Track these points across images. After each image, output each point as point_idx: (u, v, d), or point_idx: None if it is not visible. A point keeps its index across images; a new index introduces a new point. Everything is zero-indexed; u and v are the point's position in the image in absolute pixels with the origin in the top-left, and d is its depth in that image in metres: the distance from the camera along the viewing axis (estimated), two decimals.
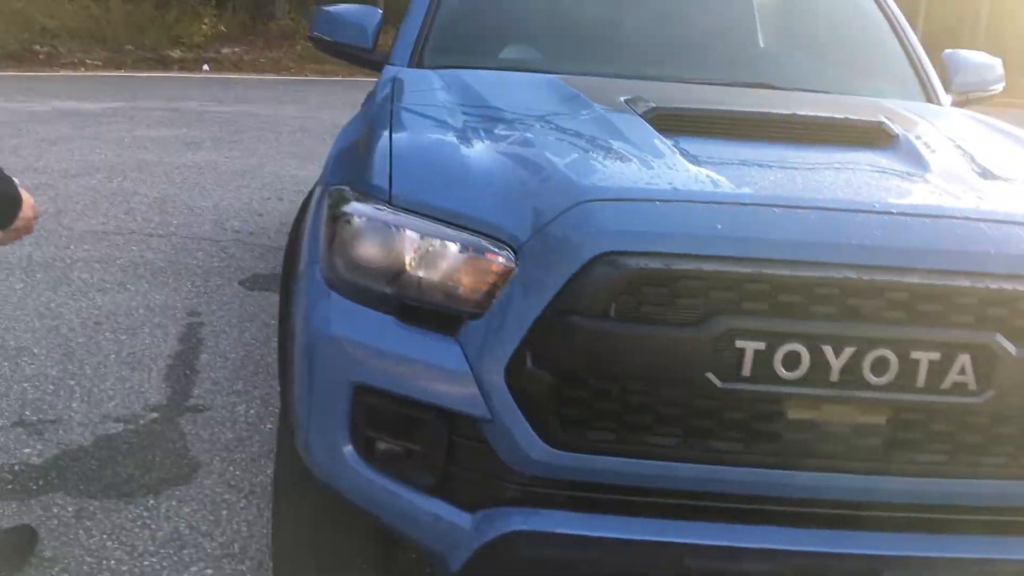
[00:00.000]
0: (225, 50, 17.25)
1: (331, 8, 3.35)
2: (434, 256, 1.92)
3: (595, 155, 2.01)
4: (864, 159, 2.11)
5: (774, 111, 2.41)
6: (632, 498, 1.81)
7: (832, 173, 2.01)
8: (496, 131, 2.18)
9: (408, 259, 1.94)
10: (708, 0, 3.40)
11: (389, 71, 3.04)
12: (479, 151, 2.08)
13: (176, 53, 16.44)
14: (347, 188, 2.11)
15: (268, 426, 3.75)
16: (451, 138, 2.16)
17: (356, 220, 2.00)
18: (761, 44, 3.30)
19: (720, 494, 1.80)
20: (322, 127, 10.77)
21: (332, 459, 2.00)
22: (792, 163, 2.09)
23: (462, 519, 1.88)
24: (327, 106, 12.71)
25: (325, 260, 2.06)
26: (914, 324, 1.70)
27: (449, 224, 1.93)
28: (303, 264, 2.16)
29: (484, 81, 2.70)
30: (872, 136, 2.24)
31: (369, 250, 1.98)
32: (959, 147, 2.30)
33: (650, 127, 2.16)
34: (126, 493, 3.17)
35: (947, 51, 3.44)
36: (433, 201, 1.97)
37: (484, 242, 1.88)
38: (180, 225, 6.55)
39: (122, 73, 15.48)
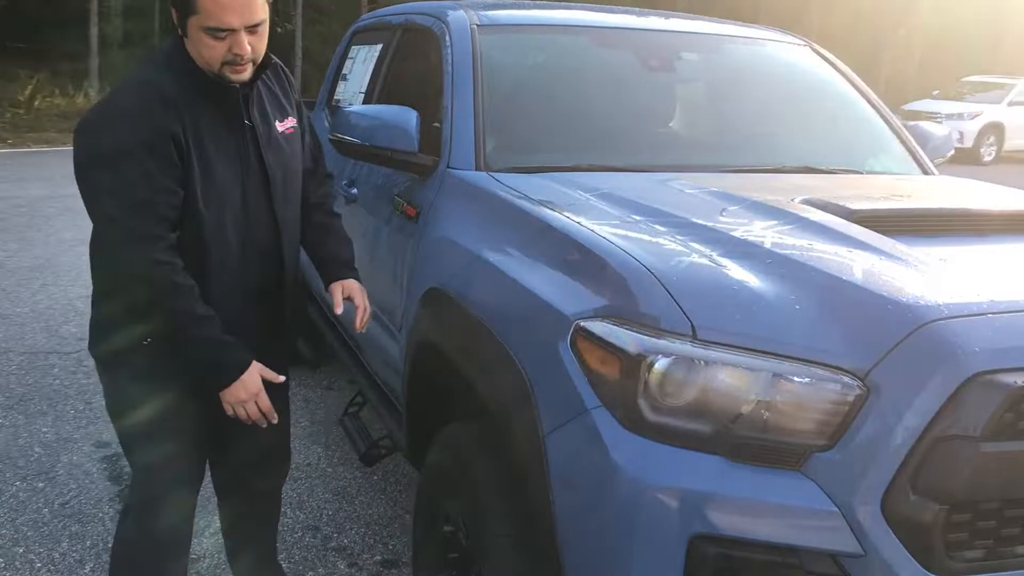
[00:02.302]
0: None
1: (360, 109, 3.10)
2: (769, 392, 1.84)
3: (877, 268, 2.01)
4: None
5: (951, 206, 2.55)
6: None
7: None
8: (735, 247, 2.12)
9: (737, 397, 1.85)
10: (735, 89, 3.52)
11: (464, 175, 2.86)
12: (745, 271, 2.02)
13: None
14: (612, 322, 1.97)
15: (284, 564, 3.37)
16: (699, 259, 2.08)
17: (663, 361, 1.87)
18: (776, 128, 3.45)
19: None
20: None
21: None
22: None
23: None
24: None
25: (622, 404, 1.90)
26: None
27: (771, 355, 1.86)
28: (570, 411, 1.98)
29: (617, 186, 2.62)
30: None
31: (688, 392, 1.86)
32: None
33: (876, 232, 2.20)
34: None
35: (911, 123, 3.79)
36: (742, 330, 1.88)
37: (822, 371, 1.83)
38: (5, 339, 5.72)
39: None
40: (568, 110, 3.21)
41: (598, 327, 1.99)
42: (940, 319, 1.82)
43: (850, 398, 1.80)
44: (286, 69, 2.54)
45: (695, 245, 2.15)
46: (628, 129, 3.21)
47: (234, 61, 2.17)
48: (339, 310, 2.51)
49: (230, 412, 2.30)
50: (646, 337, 1.90)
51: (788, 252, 2.10)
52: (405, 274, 2.98)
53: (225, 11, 2.11)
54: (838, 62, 3.79)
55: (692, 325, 1.89)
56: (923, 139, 3.67)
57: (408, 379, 2.81)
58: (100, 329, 2.35)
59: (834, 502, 1.79)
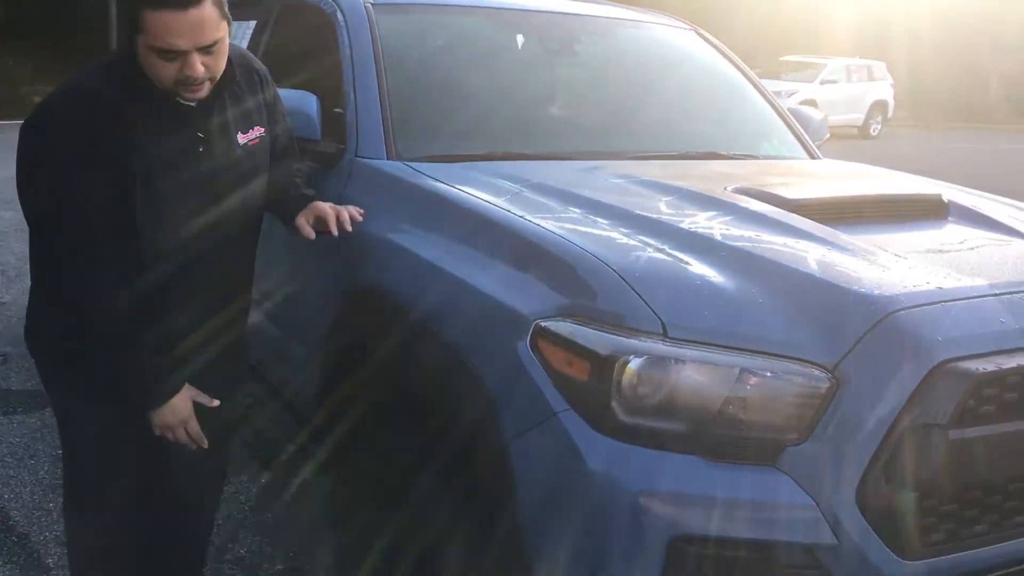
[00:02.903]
0: None
1: None
2: (740, 388, 1.82)
3: (830, 259, 2.03)
4: (978, 231, 2.40)
5: (872, 192, 2.61)
6: None
7: (985, 251, 2.28)
8: (687, 240, 2.10)
9: (711, 394, 1.82)
10: (632, 74, 3.50)
11: (378, 165, 2.73)
12: (703, 265, 2.00)
13: None
14: (576, 322, 1.91)
15: None
16: (656, 254, 2.04)
17: (636, 361, 1.83)
18: (677, 114, 3.47)
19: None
20: None
21: None
22: (950, 243, 2.31)
23: None
24: None
25: (593, 407, 1.85)
26: None
27: (743, 351, 1.84)
28: (535, 415, 1.91)
29: (547, 176, 2.56)
30: (942, 207, 2.54)
31: (661, 392, 1.83)
32: (976, 203, 2.66)
33: (815, 222, 2.23)
34: None
35: (793, 107, 3.89)
36: (711, 326, 1.87)
37: (794, 365, 1.83)
38: None
39: None
40: (474, 95, 3.11)
41: (562, 327, 1.92)
42: (902, 309, 1.86)
43: (822, 391, 1.81)
44: (263, 73, 2.37)
45: (646, 239, 2.11)
46: (536, 115, 3.15)
47: (187, 81, 2.00)
48: (312, 236, 2.41)
49: (157, 433, 2.18)
50: (616, 337, 1.85)
51: (740, 244, 2.09)
52: (312, 270, 2.82)
53: (172, 33, 1.92)
54: (722, 46, 3.85)
55: (662, 323, 1.85)
56: (804, 122, 3.78)
57: (326, 384, 2.66)
58: (30, 324, 2.26)
59: (810, 495, 1.80)
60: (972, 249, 2.30)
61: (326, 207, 2.41)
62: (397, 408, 2.30)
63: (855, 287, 1.92)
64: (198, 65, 1.97)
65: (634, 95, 3.42)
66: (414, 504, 2.23)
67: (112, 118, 1.99)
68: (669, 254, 2.04)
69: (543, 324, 1.95)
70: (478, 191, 2.41)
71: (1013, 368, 1.84)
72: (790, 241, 2.12)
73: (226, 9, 2.03)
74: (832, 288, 1.92)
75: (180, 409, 2.14)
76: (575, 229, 2.15)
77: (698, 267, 1.99)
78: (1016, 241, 2.37)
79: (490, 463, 1.99)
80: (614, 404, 1.84)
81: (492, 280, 2.11)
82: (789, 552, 1.82)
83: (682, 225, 2.19)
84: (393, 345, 2.30)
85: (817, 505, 1.79)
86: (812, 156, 3.59)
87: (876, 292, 1.90)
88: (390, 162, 2.71)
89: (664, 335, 1.85)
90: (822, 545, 1.80)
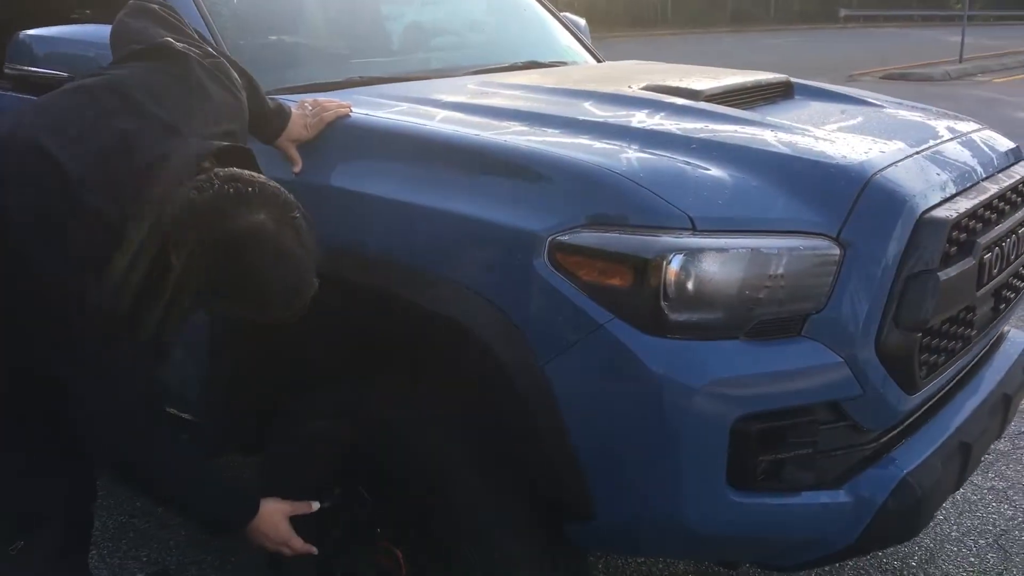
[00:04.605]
0: None
1: (53, 32, 2.39)
2: (769, 268, 1.89)
3: (787, 139, 2.14)
4: (840, 105, 2.65)
5: (751, 80, 2.72)
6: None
7: (869, 119, 2.53)
8: (652, 139, 2.09)
9: (748, 279, 1.88)
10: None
11: None
12: (688, 159, 2.02)
13: None
14: (599, 231, 1.87)
15: None
16: (639, 154, 2.02)
17: (678, 259, 1.83)
18: (487, 30, 3.41)
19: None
20: None
21: (712, 504, 1.88)
22: (837, 117, 2.53)
23: (839, 496, 1.99)
24: None
25: (641, 310, 1.83)
26: None
27: (764, 233, 1.92)
28: (573, 332, 1.85)
29: (452, 92, 2.43)
30: (792, 88, 2.77)
31: (703, 285, 1.85)
32: (808, 83, 2.93)
33: (737, 108, 2.34)
34: None
35: (562, 14, 3.96)
36: (730, 215, 1.91)
37: (810, 240, 1.93)
38: None
39: None
40: (303, 22, 2.85)
41: (585, 238, 1.87)
42: (877, 172, 2.02)
43: (834, 258, 1.93)
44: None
45: (615, 142, 2.09)
46: (371, 39, 2.95)
47: None
48: (298, 167, 2.22)
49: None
50: (654, 238, 1.84)
51: (704, 136, 2.14)
52: None
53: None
54: None
55: (690, 218, 1.87)
56: (576, 28, 3.89)
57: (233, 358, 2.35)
58: None
59: (838, 355, 1.93)
60: (860, 120, 2.55)
61: (303, 124, 2.20)
62: (387, 368, 2.11)
63: (829, 160, 2.06)
64: None
65: (448, 14, 3.33)
66: (420, 483, 2.07)
67: None
68: (652, 153, 2.04)
69: (560, 239, 1.88)
70: (400, 116, 2.23)
71: (964, 212, 2.09)
72: (738, 128, 2.21)
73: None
74: (810, 164, 2.04)
75: (270, 531, 1.94)
76: (542, 141, 2.08)
77: (685, 162, 2.02)
78: (875, 109, 2.67)
79: (525, 396, 1.90)
80: (663, 304, 1.83)
81: (475, 204, 1.98)
82: (822, 410, 1.95)
83: (633, 125, 2.20)
84: (355, 296, 2.10)
85: (845, 362, 1.93)
86: (597, 59, 3.71)
87: (847, 161, 2.05)
88: None
89: (694, 229, 1.86)
90: (850, 398, 1.95)
